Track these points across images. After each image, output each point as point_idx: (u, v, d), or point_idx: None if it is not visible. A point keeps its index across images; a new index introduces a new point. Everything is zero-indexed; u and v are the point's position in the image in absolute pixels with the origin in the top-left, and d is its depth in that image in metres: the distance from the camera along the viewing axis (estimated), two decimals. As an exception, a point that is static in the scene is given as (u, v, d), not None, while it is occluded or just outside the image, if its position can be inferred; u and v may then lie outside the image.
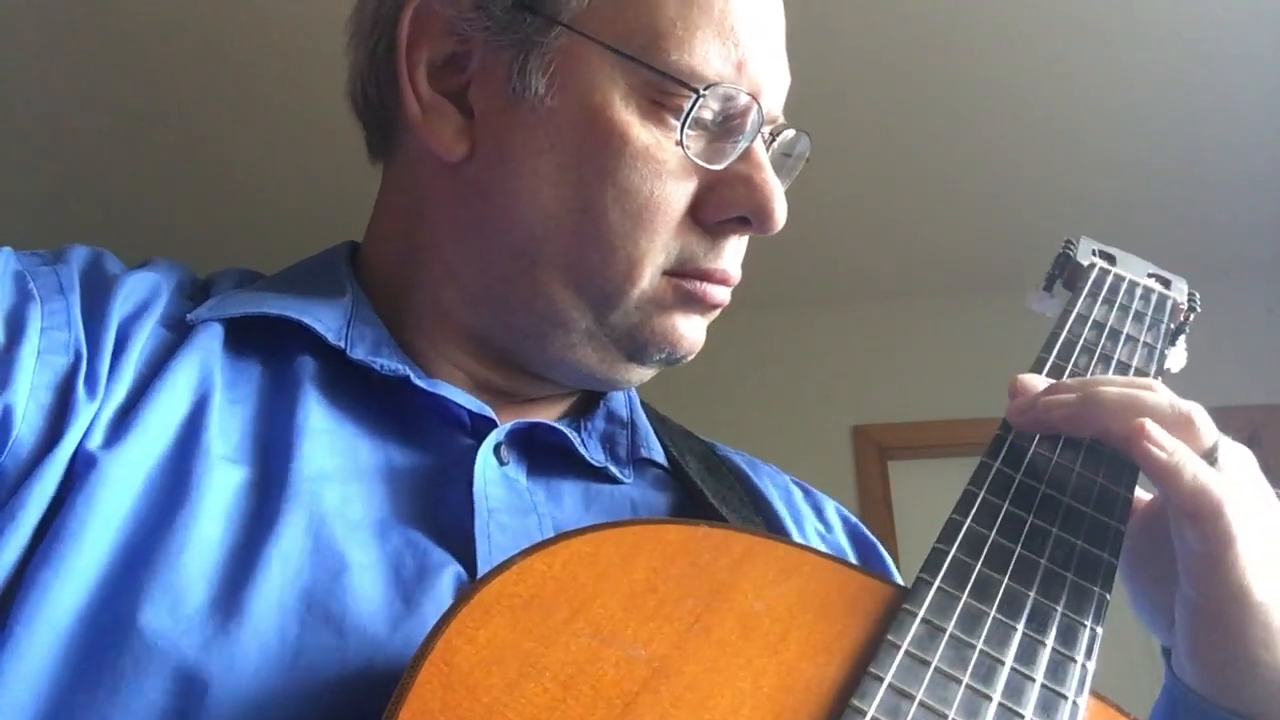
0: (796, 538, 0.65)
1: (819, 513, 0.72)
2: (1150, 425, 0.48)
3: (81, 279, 0.54)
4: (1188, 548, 0.47)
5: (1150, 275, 0.64)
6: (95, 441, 0.46)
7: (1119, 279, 0.63)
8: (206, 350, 0.53)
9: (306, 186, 2.47)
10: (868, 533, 0.73)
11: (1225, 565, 0.45)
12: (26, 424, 0.46)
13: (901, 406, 2.70)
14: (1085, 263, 0.64)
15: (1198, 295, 0.64)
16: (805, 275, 2.74)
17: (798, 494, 0.72)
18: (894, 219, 2.55)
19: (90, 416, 0.47)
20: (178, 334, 0.54)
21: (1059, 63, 2.06)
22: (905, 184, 2.43)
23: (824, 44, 2.00)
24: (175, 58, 2.14)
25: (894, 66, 2.09)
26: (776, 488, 0.71)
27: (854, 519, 0.74)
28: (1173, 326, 0.62)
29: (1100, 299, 0.61)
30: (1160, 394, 0.51)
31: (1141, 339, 0.59)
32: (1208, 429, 0.50)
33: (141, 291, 0.55)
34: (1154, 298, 0.62)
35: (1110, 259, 0.65)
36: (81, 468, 0.45)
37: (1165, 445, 0.47)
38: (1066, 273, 0.66)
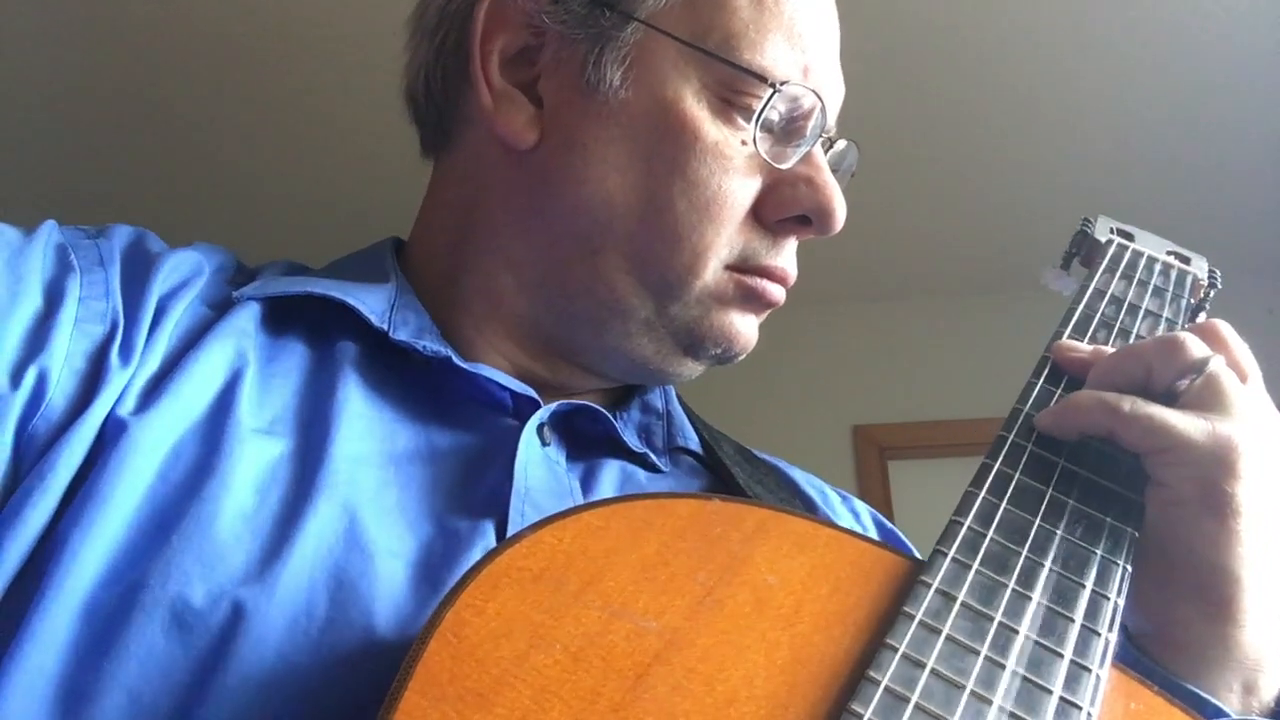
0: None
1: (855, 516, 0.72)
2: (1104, 359, 0.49)
3: (123, 254, 0.55)
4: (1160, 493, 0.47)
5: (1169, 252, 0.64)
6: (127, 408, 0.47)
7: (1137, 254, 0.62)
8: (243, 328, 0.54)
9: (312, 187, 2.45)
10: (903, 538, 0.72)
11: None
12: (60, 389, 0.47)
13: (901, 406, 2.70)
14: (1103, 239, 0.64)
15: (1219, 272, 0.63)
16: (806, 275, 2.69)
17: (834, 497, 0.73)
18: (895, 219, 2.54)
19: (123, 384, 0.48)
20: (217, 311, 0.55)
21: (1061, 63, 2.06)
22: (906, 184, 2.42)
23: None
24: (176, 58, 2.14)
25: (895, 66, 2.08)
26: (812, 486, 0.72)
27: (890, 524, 0.73)
28: (1193, 302, 0.61)
29: (1119, 274, 0.60)
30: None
31: (1162, 314, 0.58)
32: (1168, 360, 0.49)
33: (184, 269, 0.57)
34: (1174, 273, 0.61)
35: (1129, 236, 0.65)
36: (112, 433, 0.46)
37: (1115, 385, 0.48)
38: (1084, 250, 0.65)
